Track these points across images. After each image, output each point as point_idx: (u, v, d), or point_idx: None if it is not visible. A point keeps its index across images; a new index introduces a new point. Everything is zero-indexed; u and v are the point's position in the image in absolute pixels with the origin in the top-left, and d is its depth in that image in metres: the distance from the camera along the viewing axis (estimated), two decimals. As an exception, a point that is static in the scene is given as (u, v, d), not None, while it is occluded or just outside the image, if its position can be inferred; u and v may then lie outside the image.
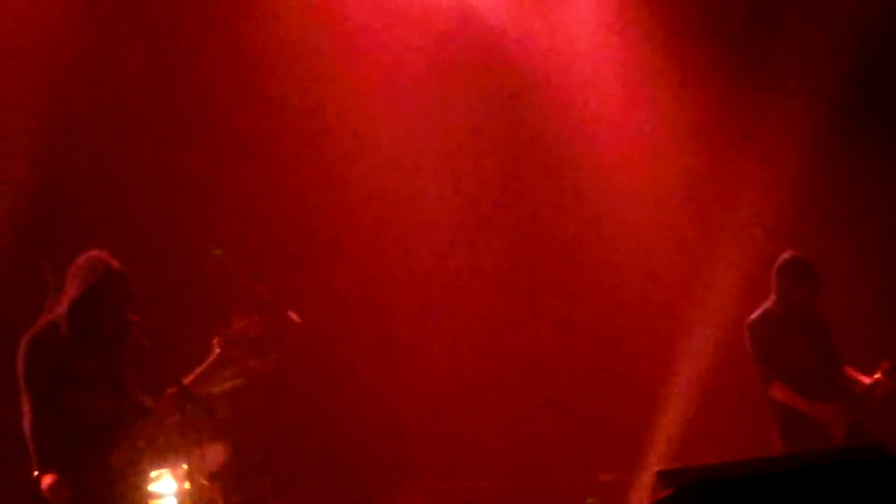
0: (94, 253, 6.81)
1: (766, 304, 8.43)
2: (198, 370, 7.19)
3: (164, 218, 9.82)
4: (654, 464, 9.41)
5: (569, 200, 10.68)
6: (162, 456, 8.07)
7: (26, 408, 6.63)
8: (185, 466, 7.60)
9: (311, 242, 10.33)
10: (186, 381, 7.07)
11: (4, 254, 8.95)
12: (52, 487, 6.51)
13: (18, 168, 9.23)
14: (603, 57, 10.57)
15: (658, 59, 10.46)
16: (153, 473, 8.11)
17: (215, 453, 8.57)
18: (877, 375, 8.29)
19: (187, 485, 7.59)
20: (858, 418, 8.23)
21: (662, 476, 4.19)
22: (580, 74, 10.58)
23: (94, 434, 6.70)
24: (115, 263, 6.75)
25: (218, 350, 7.24)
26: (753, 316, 8.42)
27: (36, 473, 6.57)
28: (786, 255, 8.45)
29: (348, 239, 10.44)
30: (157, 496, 8.12)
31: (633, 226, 10.55)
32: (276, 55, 10.12)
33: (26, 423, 6.63)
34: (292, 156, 10.22)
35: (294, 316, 8.77)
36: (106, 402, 6.75)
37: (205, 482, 8.29)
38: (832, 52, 10.14)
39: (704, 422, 9.88)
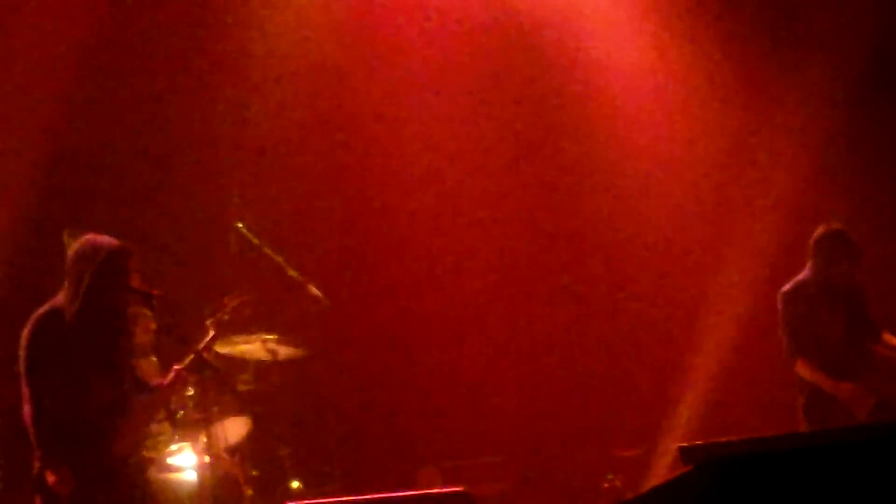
0: (90, 238, 6.76)
1: (801, 275, 8.32)
2: (196, 350, 7.11)
3: (186, 194, 9.85)
4: (674, 440, 9.38)
5: (595, 175, 10.62)
6: (182, 429, 8.10)
7: (27, 394, 6.56)
8: (204, 439, 7.61)
9: (338, 227, 10.37)
10: (182, 364, 7.02)
11: (27, 224, 9.00)
12: (54, 477, 6.48)
13: (41, 142, 9.26)
14: (631, 31, 10.50)
15: (687, 33, 10.39)
16: (173, 447, 8.15)
17: (236, 427, 8.58)
18: None
19: (207, 458, 7.60)
20: (885, 396, 8.17)
21: (683, 452, 4.15)
22: (607, 50, 10.51)
23: (95, 421, 6.65)
24: (115, 243, 6.72)
25: (212, 332, 7.18)
26: (787, 286, 8.31)
27: (38, 464, 6.54)
28: (825, 228, 8.30)
29: (374, 223, 10.46)
30: (177, 469, 8.16)
31: (659, 201, 10.49)
32: (303, 50, 10.14)
33: (27, 411, 6.57)
34: (319, 142, 10.25)
35: (317, 292, 8.77)
36: (106, 390, 6.69)
37: (225, 455, 8.31)
38: (864, 18, 10.05)
39: (726, 397, 9.84)
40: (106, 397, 6.68)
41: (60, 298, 6.70)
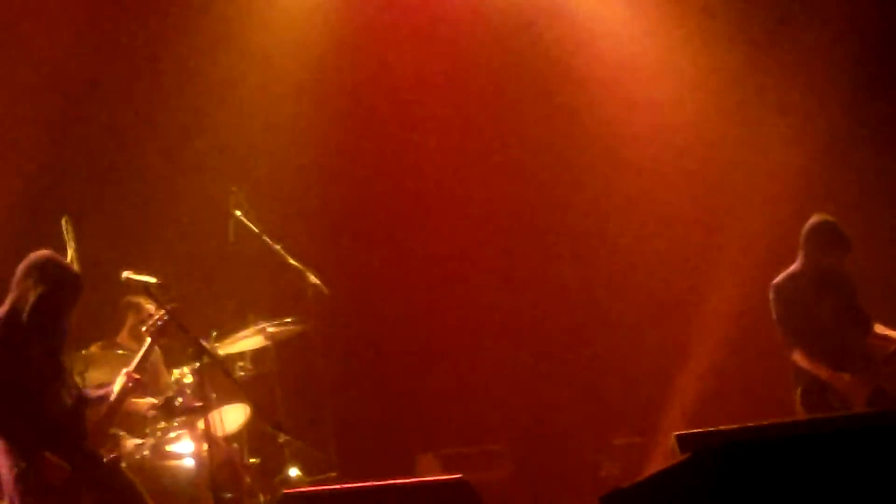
0: (49, 256, 6.80)
1: (793, 267, 8.33)
2: (137, 358, 7.10)
3: (185, 182, 9.85)
4: (671, 428, 9.38)
5: (597, 168, 10.62)
6: (180, 416, 8.12)
7: None
8: (203, 427, 7.63)
9: (337, 215, 10.39)
10: (131, 368, 7.01)
11: (26, 212, 9.00)
12: (48, 466, 6.49)
13: (41, 131, 9.26)
14: (633, 28, 10.51)
15: (683, 28, 10.39)
16: (172, 434, 8.17)
17: (234, 414, 8.59)
18: None
19: (205, 445, 7.61)
20: (880, 385, 8.18)
21: (680, 440, 4.18)
22: (609, 48, 10.51)
23: (63, 425, 6.67)
24: (71, 268, 6.82)
25: (149, 338, 7.16)
26: (778, 279, 8.32)
27: (24, 464, 6.51)
28: (816, 219, 8.31)
29: (373, 212, 10.47)
30: (176, 456, 8.17)
31: (657, 194, 10.49)
32: (303, 41, 10.16)
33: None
34: (318, 134, 10.24)
35: (316, 280, 8.78)
36: (64, 396, 6.73)
37: (223, 443, 8.32)
38: (865, 16, 10.05)
39: (723, 386, 9.85)
40: (64, 404, 6.71)
41: (6, 308, 6.69)
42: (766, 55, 10.30)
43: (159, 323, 7.08)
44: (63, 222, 7.64)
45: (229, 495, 8.23)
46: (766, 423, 4.41)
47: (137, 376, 6.96)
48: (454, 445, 10.03)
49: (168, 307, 7.09)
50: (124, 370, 6.99)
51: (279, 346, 9.02)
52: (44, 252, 6.84)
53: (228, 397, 8.51)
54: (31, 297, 6.63)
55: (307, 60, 10.19)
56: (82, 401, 6.87)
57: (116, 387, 6.92)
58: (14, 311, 6.66)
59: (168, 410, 7.93)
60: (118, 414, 7.09)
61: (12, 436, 6.54)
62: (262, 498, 8.49)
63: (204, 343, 7.43)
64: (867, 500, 3.96)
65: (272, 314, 8.92)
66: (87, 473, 6.65)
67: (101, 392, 7.00)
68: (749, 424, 4.38)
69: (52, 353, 6.74)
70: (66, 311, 6.76)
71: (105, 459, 6.81)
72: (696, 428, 4.37)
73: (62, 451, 6.59)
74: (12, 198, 9.09)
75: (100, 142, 9.75)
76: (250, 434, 8.81)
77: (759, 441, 4.14)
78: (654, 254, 10.48)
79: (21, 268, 6.74)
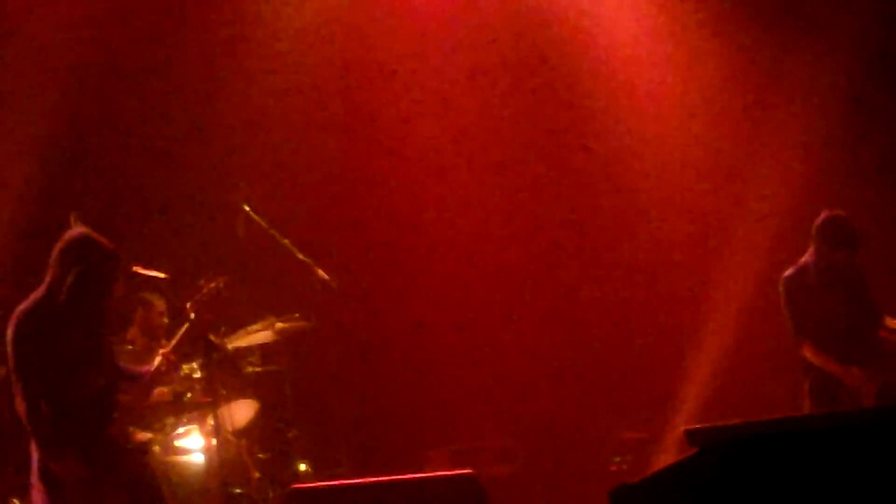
0: (83, 234, 6.73)
1: (803, 260, 8.33)
2: (177, 336, 7.09)
3: (193, 177, 9.87)
4: (680, 423, 9.39)
5: (604, 166, 10.62)
6: (190, 412, 8.14)
7: (20, 390, 6.51)
8: (212, 422, 7.64)
9: (347, 209, 10.38)
10: (167, 349, 7.01)
11: (34, 206, 9.02)
12: (64, 465, 6.48)
13: (50, 125, 9.29)
14: (635, 26, 10.50)
15: (688, 20, 10.38)
16: (181, 429, 8.19)
17: (243, 409, 8.61)
18: None
19: (215, 441, 7.63)
20: (890, 380, 8.17)
21: (689, 435, 4.17)
22: (609, 39, 10.50)
23: (89, 410, 6.64)
24: (108, 245, 6.70)
25: (193, 315, 7.14)
26: (789, 272, 8.32)
27: (42, 454, 6.50)
28: (827, 214, 8.30)
29: (383, 206, 10.47)
30: (185, 452, 8.20)
31: (665, 191, 10.49)
32: (310, 36, 10.16)
33: (22, 406, 6.52)
34: (326, 128, 10.27)
35: (324, 275, 8.79)
36: (96, 378, 6.68)
37: (232, 438, 8.34)
38: (866, 17, 10.04)
39: (732, 380, 9.85)
40: (97, 386, 6.67)
41: (42, 290, 6.64)
42: (772, 55, 10.30)
43: (204, 300, 7.08)
44: (71, 219, 7.66)
45: (238, 490, 8.25)
46: (775, 417, 4.39)
47: (174, 357, 6.97)
48: (463, 441, 10.04)
49: (217, 281, 7.09)
50: (161, 350, 7.01)
51: (288, 342, 9.03)
52: (79, 230, 6.77)
53: (238, 393, 8.53)
54: (68, 278, 6.56)
55: (316, 55, 10.19)
56: (119, 379, 6.83)
57: (153, 367, 6.94)
58: (50, 294, 6.60)
59: (177, 406, 7.96)
60: (151, 393, 7.11)
61: (33, 429, 6.52)
62: (270, 493, 8.51)
63: (213, 338, 7.45)
64: (875, 496, 3.96)
65: (281, 309, 8.94)
66: (107, 460, 6.65)
67: (139, 371, 7.00)
68: (758, 419, 4.36)
69: (90, 334, 6.68)
70: (105, 289, 6.67)
71: (130, 447, 6.82)
72: (705, 422, 4.35)
73: (85, 438, 6.58)
74: (20, 193, 9.12)
75: (107, 137, 9.77)
76: (259, 429, 8.83)
77: (768, 436, 4.13)
78: (662, 248, 10.47)
79: (57, 248, 6.67)
